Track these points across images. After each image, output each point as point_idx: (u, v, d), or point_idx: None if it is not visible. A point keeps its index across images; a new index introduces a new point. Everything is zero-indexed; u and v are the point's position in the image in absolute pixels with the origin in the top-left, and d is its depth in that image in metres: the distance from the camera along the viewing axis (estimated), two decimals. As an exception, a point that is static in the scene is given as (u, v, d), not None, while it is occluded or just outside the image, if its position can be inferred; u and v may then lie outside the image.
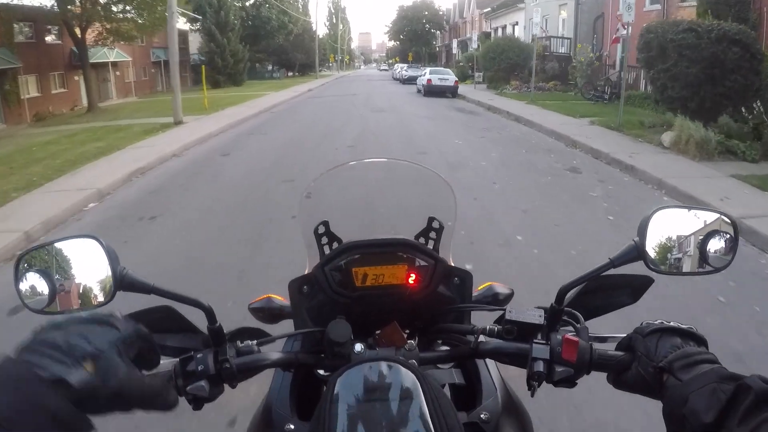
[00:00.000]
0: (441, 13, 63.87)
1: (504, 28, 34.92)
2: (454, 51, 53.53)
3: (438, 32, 64.68)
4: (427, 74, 22.98)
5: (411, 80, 32.99)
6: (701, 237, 0.75)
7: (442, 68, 25.85)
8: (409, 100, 20.70)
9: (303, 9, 58.90)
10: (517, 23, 33.07)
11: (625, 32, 11.02)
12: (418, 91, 24.17)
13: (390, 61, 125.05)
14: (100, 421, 0.54)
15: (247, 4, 44.44)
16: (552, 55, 24.31)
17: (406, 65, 40.72)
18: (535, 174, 7.13)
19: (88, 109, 20.41)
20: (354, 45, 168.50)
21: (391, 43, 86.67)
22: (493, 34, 38.15)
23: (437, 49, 68.01)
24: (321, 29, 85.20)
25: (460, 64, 33.79)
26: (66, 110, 22.32)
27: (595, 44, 21.24)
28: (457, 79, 22.24)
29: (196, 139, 10.50)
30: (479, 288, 1.02)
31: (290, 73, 54.54)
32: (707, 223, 0.75)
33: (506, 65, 23.17)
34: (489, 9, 40.08)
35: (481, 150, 8.92)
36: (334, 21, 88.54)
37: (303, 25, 53.05)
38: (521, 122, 12.73)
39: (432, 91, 21.70)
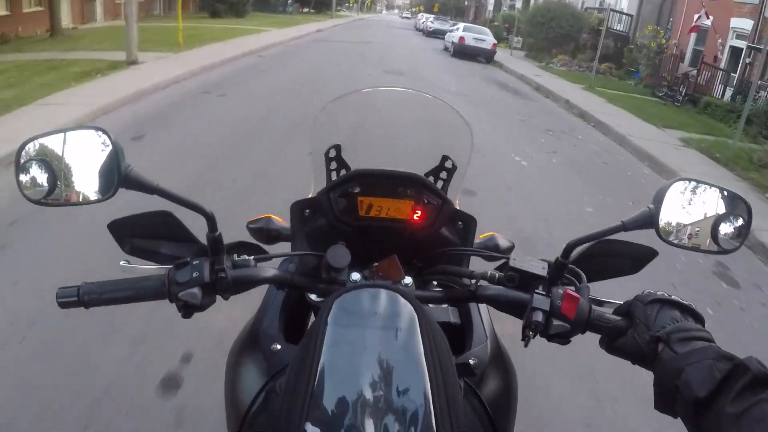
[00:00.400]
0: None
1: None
2: (489, 8, 48.93)
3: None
4: (460, 31, 19.06)
5: (437, 34, 28.95)
6: (715, 216, 0.74)
7: (477, 26, 21.29)
8: (436, 60, 17.13)
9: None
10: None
11: (708, 22, 8.04)
12: (445, 49, 20.52)
13: (413, 10, 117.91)
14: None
15: None
16: (609, 31, 20.70)
17: (432, 16, 36.07)
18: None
19: (50, 34, 16.82)
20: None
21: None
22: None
23: (466, 2, 62.78)
24: None
25: (494, 23, 29.78)
26: (40, 32, 18.59)
27: (669, 29, 17.58)
28: (495, 41, 18.52)
29: (133, 93, 7.26)
30: (481, 237, 1.02)
31: (304, 10, 49.87)
32: (723, 203, 0.75)
33: (555, 34, 19.50)
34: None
35: (563, 188, 5.44)
36: None
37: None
38: (591, 123, 9.45)
39: (464, 52, 18.04)
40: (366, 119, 1.12)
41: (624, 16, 20.89)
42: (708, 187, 0.75)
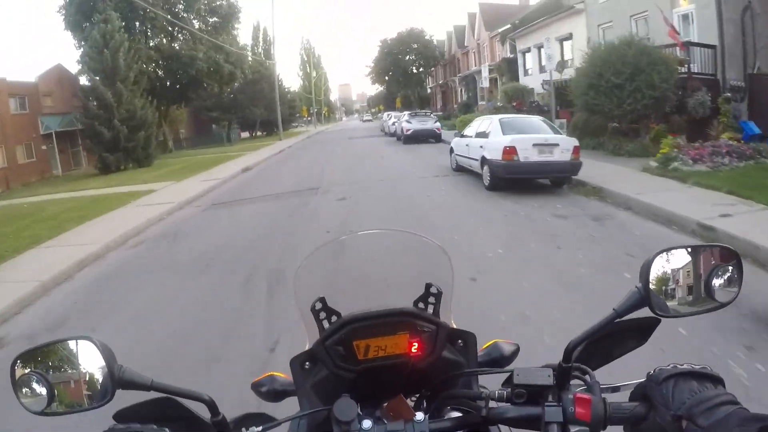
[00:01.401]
0: (433, 44, 50.05)
1: (540, 48, 21.19)
2: (459, 89, 41.69)
3: (431, 69, 52.27)
4: (495, 130, 9.35)
5: (417, 138, 20.48)
6: (705, 273, 0.75)
7: (536, 119, 10.35)
8: (473, 210, 7.84)
9: (264, 54, 46.88)
10: (570, 36, 21.11)
11: None
12: (456, 168, 11.64)
13: (373, 110, 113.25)
14: None
15: (163, 40, 30.66)
16: (693, 77, 12.19)
17: (406, 113, 25.10)
18: None
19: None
20: (334, 97, 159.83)
21: (375, 88, 75.02)
22: (521, 61, 26.25)
23: (428, 90, 56.29)
24: (293, 81, 73.85)
25: (497, 104, 21.62)
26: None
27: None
28: (577, 144, 8.65)
29: None
30: (484, 347, 1.00)
31: (246, 134, 42.40)
32: (709, 258, 0.75)
33: (647, 99, 10.74)
34: (508, 26, 28.29)
35: None
36: (308, 70, 76.63)
37: (261, 70, 40.45)
38: None
39: (523, 174, 8.73)
40: (344, 265, 1.15)
41: (704, 50, 12.64)
42: (686, 248, 0.76)
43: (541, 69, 19.47)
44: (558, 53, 20.07)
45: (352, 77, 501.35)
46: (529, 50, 24.79)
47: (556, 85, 15.62)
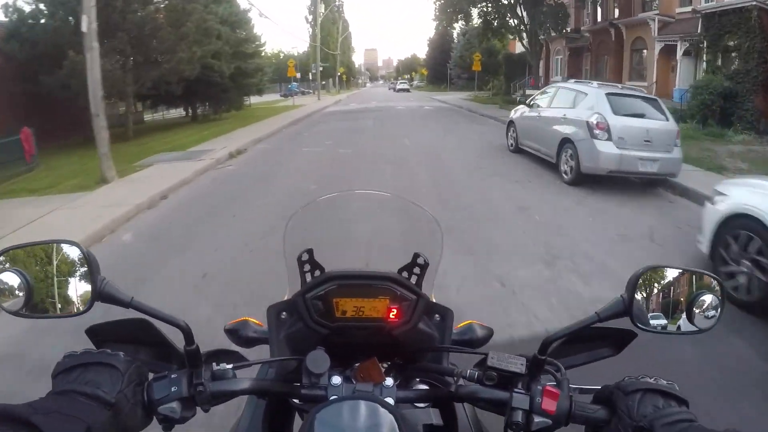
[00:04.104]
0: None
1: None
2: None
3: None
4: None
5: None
6: (688, 296, 0.77)
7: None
8: None
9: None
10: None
11: None
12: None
13: (407, 77, 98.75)
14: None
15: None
16: None
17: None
18: None
19: None
20: (359, 62, 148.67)
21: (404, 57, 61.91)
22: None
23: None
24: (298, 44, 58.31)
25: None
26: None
27: None
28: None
29: None
30: (459, 326, 1.01)
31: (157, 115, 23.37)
32: (695, 283, 0.78)
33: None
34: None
35: None
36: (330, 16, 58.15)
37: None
38: None
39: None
40: (337, 221, 1.15)
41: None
42: (677, 270, 0.78)
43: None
44: None
45: (378, 42, 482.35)
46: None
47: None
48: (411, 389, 0.87)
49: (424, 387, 0.89)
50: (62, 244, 0.71)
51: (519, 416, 0.71)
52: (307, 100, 34.88)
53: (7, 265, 0.69)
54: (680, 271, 0.78)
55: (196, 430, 1.59)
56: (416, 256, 0.94)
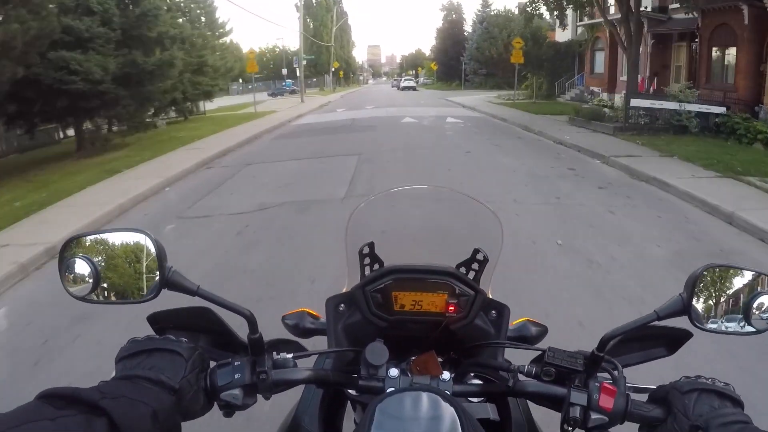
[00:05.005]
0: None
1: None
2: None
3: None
4: None
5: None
6: (746, 297, 0.75)
7: None
8: None
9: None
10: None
11: None
12: None
13: (411, 72, 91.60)
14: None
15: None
16: None
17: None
18: None
19: None
20: (362, 59, 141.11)
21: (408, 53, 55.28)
22: None
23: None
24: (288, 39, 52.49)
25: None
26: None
27: None
28: None
29: None
30: (514, 323, 1.01)
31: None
32: (753, 283, 0.75)
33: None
34: None
35: None
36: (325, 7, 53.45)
37: None
38: None
39: None
40: (398, 216, 1.17)
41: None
42: (738, 269, 0.76)
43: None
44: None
45: (381, 39, 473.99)
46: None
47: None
48: (466, 383, 0.88)
49: (479, 382, 0.89)
50: (130, 232, 0.72)
51: (576, 412, 0.72)
52: (287, 103, 28.81)
53: (74, 253, 0.71)
54: (740, 270, 0.76)
55: (254, 418, 1.58)
56: (476, 251, 0.96)
